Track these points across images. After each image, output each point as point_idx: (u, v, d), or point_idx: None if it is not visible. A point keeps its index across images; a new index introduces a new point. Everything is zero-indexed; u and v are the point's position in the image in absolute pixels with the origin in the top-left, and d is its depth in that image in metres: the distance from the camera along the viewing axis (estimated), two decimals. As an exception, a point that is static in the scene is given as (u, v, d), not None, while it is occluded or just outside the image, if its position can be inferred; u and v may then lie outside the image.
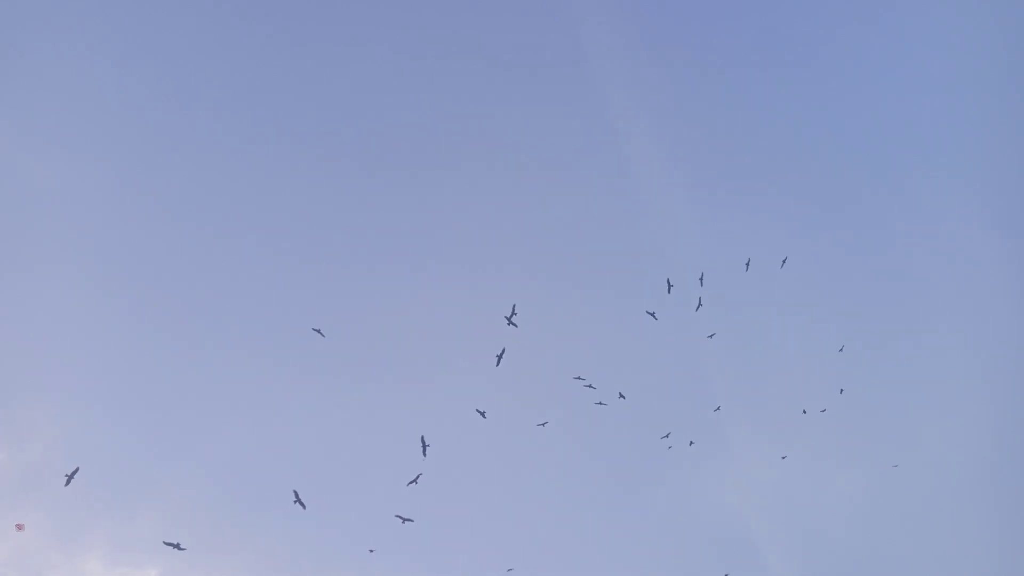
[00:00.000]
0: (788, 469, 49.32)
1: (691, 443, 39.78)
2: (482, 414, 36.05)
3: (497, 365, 34.92)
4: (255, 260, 48.93)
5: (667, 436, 39.80)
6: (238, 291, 48.12)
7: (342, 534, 44.64)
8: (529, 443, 48.07)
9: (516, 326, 34.95)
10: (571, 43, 54.54)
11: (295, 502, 33.27)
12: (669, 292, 37.06)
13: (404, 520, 35.14)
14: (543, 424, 39.27)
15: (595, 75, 54.52)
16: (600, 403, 38.69)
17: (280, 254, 49.16)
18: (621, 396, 37.75)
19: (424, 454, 34.72)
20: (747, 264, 39.23)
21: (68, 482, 31.86)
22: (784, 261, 41.23)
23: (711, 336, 40.43)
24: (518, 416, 49.41)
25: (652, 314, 37.70)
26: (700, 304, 39.50)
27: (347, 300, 49.89)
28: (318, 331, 35.66)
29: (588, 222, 54.37)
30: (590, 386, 37.71)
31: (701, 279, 38.92)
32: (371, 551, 36.90)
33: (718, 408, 41.65)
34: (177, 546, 32.47)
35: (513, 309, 34.61)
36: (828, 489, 51.65)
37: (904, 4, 56.36)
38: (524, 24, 55.55)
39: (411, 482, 35.19)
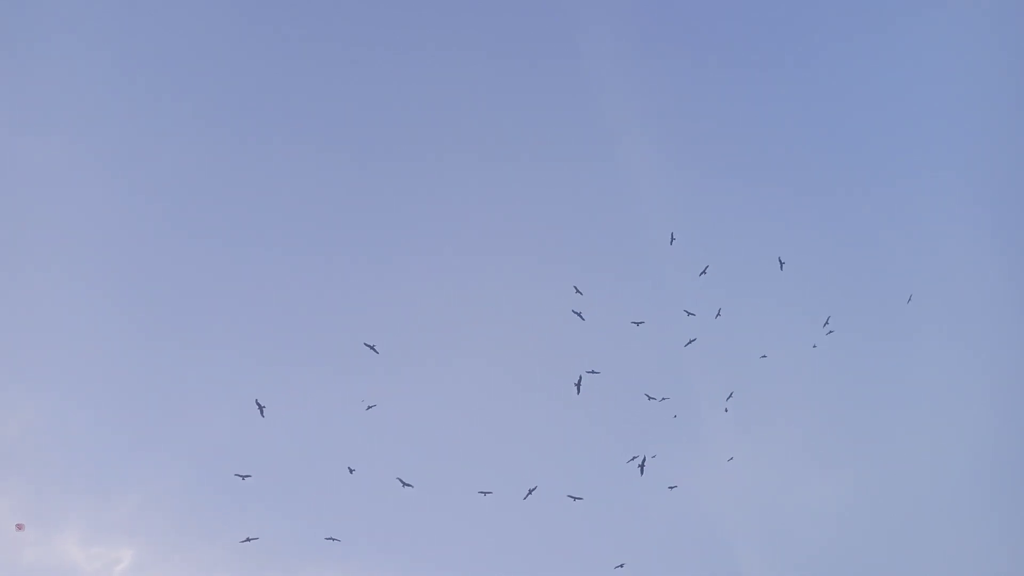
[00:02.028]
0: (768, 469, 49.06)
1: (675, 416, 40.38)
2: None
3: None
4: (238, 249, 48.78)
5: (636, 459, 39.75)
6: (221, 281, 47.98)
7: (318, 524, 44.50)
8: (505, 436, 47.96)
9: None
10: (564, 36, 54.27)
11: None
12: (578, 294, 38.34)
13: (404, 484, 35.71)
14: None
15: (588, 69, 54.16)
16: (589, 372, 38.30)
17: (265, 244, 49.01)
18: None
19: None
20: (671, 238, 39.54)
21: (244, 477, 34.63)
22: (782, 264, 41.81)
23: (689, 313, 40.06)
24: (503, 408, 49.46)
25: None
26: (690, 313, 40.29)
27: (330, 290, 49.64)
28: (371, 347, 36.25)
29: (578, 213, 54.02)
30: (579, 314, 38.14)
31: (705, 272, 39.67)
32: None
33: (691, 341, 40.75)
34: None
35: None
36: (810, 491, 51.38)
37: (901, 3, 56.02)
38: (517, 15, 55.24)
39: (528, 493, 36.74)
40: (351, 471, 36.13)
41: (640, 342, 50.28)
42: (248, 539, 35.70)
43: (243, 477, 34.86)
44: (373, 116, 53.31)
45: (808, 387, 49.66)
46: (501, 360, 49.88)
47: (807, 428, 50.88)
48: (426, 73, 53.59)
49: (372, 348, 36.57)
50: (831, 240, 54.74)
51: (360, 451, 46.08)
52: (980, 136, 56.37)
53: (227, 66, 50.36)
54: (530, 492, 37.09)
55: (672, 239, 39.57)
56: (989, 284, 55.09)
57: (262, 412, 34.75)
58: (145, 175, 47.93)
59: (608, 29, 54.09)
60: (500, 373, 50.11)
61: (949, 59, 56.89)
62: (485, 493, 37.71)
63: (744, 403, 44.36)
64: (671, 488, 39.76)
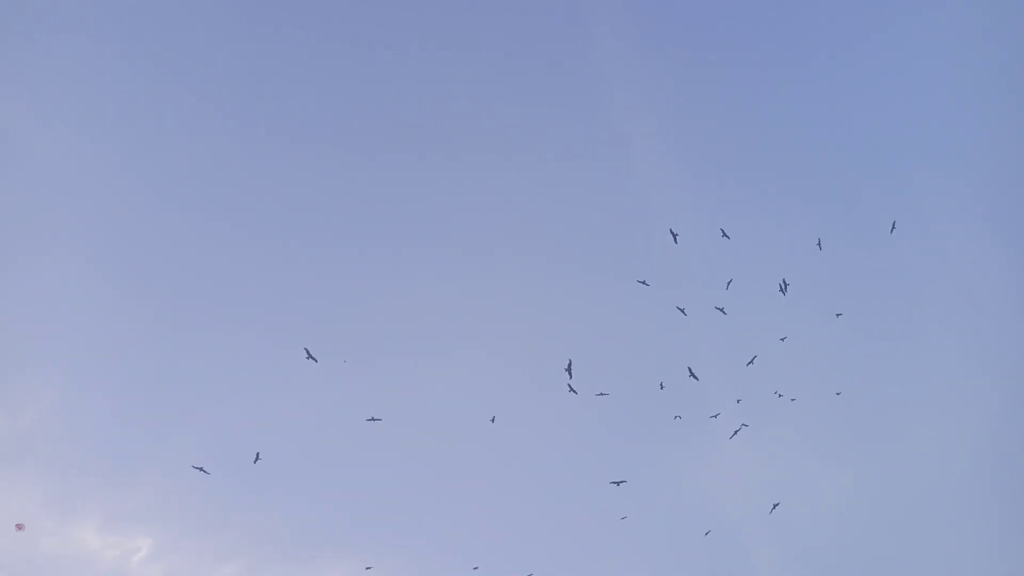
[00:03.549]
0: (774, 464, 49.91)
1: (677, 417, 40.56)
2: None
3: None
4: (252, 242, 48.96)
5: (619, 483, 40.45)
6: (235, 272, 48.19)
7: (333, 514, 45.28)
8: (512, 433, 48.57)
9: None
10: (578, 35, 54.35)
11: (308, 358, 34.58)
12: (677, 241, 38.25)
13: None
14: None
15: (601, 68, 54.27)
16: (601, 394, 39.03)
17: (279, 238, 49.13)
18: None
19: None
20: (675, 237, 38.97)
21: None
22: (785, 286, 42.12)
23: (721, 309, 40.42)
24: (508, 404, 50.00)
25: (643, 282, 39.02)
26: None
27: (342, 285, 50.01)
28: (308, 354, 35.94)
29: (589, 213, 54.32)
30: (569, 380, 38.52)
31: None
32: None
33: (716, 415, 41.85)
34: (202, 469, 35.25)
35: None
36: (820, 487, 52.06)
37: (906, 4, 56.34)
38: (530, 15, 55.26)
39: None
40: (257, 458, 36.08)
41: (647, 339, 51.25)
42: (368, 568, 37.12)
43: (309, 355, 34.93)
44: (383, 113, 53.45)
45: (814, 383, 50.32)
46: (510, 358, 50.46)
47: (812, 424, 51.62)
48: (438, 71, 53.75)
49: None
50: (839, 239, 55.27)
51: (372, 442, 47.02)
52: (993, 137, 56.73)
53: (239, 60, 50.40)
54: None
55: (675, 236, 38.95)
56: (992, 283, 55.68)
57: (310, 356, 35.02)
58: (158, 167, 48.03)
59: (622, 28, 54.31)
60: (510, 371, 50.67)
61: (978, 57, 57.13)
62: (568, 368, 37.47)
63: (750, 399, 45.07)
64: (622, 519, 40.81)
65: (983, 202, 56.49)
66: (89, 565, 41.58)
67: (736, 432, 40.13)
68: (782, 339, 43.42)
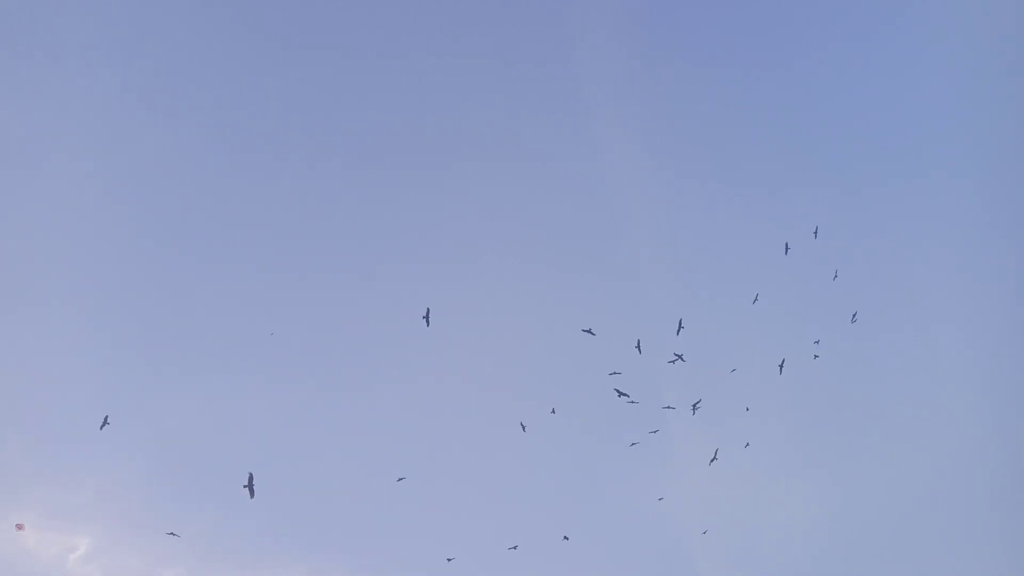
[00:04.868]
0: (741, 478, 47.91)
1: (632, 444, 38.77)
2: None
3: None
4: (217, 244, 47.70)
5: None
6: (187, 273, 46.65)
7: (280, 522, 43.88)
8: (480, 443, 47.17)
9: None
10: (551, 37, 53.15)
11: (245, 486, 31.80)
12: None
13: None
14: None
15: (574, 70, 53.08)
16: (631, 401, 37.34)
17: (248, 245, 48.00)
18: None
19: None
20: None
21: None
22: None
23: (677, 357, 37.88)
24: (477, 412, 48.62)
25: (589, 331, 37.17)
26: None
27: (297, 291, 48.56)
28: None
29: (560, 214, 53.09)
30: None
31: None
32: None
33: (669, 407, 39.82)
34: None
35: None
36: (784, 505, 50.54)
37: (881, 5, 54.99)
38: (505, 17, 53.98)
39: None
40: (104, 422, 33.46)
41: (619, 348, 49.46)
42: None
43: (426, 317, 34.57)
44: (353, 117, 52.16)
45: (785, 398, 48.60)
46: (478, 363, 49.20)
47: (781, 441, 50.04)
48: (410, 75, 52.38)
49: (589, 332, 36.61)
50: (816, 244, 53.58)
51: (318, 449, 45.92)
52: (987, 137, 55.42)
53: (214, 68, 49.06)
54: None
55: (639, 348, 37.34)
56: (975, 290, 54.42)
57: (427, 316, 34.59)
58: (133, 180, 46.86)
59: (596, 29, 53.19)
60: (477, 376, 49.45)
61: (935, 60, 56.21)
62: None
63: (718, 412, 43.31)
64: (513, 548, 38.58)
65: (973, 201, 55.03)
66: (24, 563, 40.34)
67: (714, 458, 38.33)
68: (754, 300, 41.47)
